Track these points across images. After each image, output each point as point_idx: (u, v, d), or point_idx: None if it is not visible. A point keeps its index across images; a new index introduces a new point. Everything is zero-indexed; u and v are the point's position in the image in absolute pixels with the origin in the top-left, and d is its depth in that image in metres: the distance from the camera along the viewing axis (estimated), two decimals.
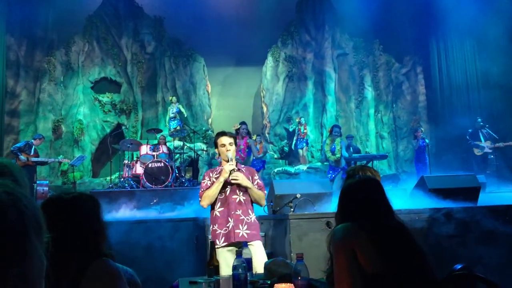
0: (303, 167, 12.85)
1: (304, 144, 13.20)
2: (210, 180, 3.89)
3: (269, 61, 14.67)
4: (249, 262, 2.68)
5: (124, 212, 7.77)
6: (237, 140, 9.18)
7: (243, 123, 9.69)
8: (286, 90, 14.52)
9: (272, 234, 5.48)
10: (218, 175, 3.86)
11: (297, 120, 13.46)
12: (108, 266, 1.82)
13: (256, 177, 3.97)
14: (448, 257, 4.14)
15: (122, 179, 9.87)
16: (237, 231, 3.71)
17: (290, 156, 14.04)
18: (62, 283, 1.62)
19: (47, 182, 10.00)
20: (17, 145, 9.61)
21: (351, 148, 10.59)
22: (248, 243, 3.54)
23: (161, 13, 14.21)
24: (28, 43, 13.00)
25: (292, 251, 4.36)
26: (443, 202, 5.39)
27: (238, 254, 2.40)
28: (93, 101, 13.61)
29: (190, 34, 13.99)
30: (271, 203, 5.52)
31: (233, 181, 3.72)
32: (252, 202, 3.92)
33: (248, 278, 2.45)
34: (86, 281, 1.72)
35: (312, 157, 13.70)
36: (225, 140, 3.90)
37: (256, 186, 3.87)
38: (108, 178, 11.00)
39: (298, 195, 5.01)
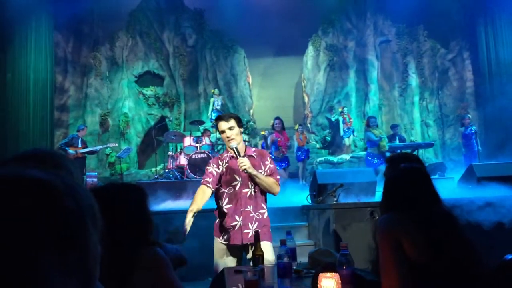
0: (346, 157, 12.71)
1: (351, 133, 13.03)
2: (217, 167, 3.45)
3: (310, 51, 14.54)
4: (293, 251, 2.69)
5: (169, 202, 7.94)
6: (277, 136, 9.29)
7: (276, 118, 9.69)
8: (328, 79, 14.36)
9: (316, 224, 5.47)
10: (226, 164, 3.42)
11: (339, 110, 13.30)
12: (157, 254, 1.87)
13: (268, 160, 3.49)
14: (498, 248, 4.02)
15: (166, 170, 10.09)
16: (246, 231, 3.31)
17: (333, 146, 13.91)
18: (113, 271, 1.68)
19: (96, 173, 10.35)
20: (64, 140, 9.96)
21: (396, 137, 10.40)
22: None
23: (201, 6, 14.32)
24: (75, 40, 13.45)
25: (336, 241, 4.34)
26: (493, 190, 5.22)
27: (283, 244, 2.42)
28: (137, 94, 13.92)
29: (230, 25, 14.02)
30: (314, 193, 5.50)
31: (241, 168, 3.25)
32: (265, 194, 3.47)
33: (293, 267, 2.46)
34: (136, 268, 1.78)
35: (355, 146, 13.53)
36: (223, 125, 3.39)
37: (268, 171, 3.42)
38: (154, 169, 11.25)
39: (342, 185, 4.97)
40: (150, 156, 13.34)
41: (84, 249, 0.72)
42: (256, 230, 3.17)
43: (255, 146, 12.84)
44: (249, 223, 3.32)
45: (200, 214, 3.43)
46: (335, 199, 4.94)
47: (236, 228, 3.32)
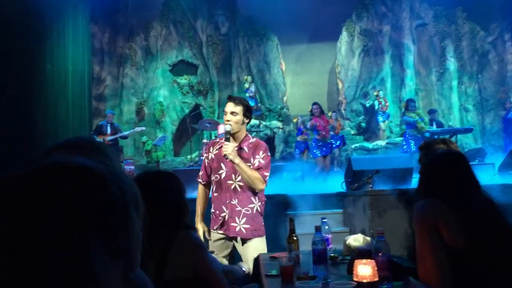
0: (382, 143, 12.53)
1: (386, 117, 12.81)
2: (208, 153, 3.38)
3: (344, 36, 14.32)
4: (328, 238, 2.68)
5: None
6: (316, 121, 9.23)
7: (314, 103, 9.61)
8: (362, 65, 14.13)
9: (351, 211, 5.44)
10: (216, 150, 3.31)
11: (375, 94, 13.08)
12: (193, 237, 1.93)
13: (260, 154, 3.22)
14: None
15: (201, 157, 10.20)
16: (233, 224, 3.16)
17: (368, 132, 13.73)
18: (152, 253, 1.73)
19: (133, 161, 10.57)
20: (92, 130, 10.21)
21: (434, 122, 10.17)
22: (247, 240, 3.19)
23: None
24: (110, 30, 13.71)
25: (371, 228, 4.30)
26: None
27: (317, 230, 2.42)
28: (172, 83, 14.09)
29: (262, 13, 13.94)
30: (349, 179, 5.46)
31: (223, 152, 3.08)
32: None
33: (328, 254, 2.46)
34: (173, 250, 1.84)
35: (391, 132, 13.30)
36: (229, 106, 3.23)
37: (256, 165, 3.18)
38: (189, 156, 11.41)
39: (378, 171, 4.91)
40: (185, 144, 13.52)
41: (128, 235, 0.75)
42: (244, 226, 3.14)
43: (289, 133, 12.83)
44: (236, 217, 3.16)
45: None
46: (371, 185, 4.89)
47: (225, 220, 3.18)
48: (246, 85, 12.86)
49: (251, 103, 12.44)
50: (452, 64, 13.83)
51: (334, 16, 13.88)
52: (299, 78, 14.85)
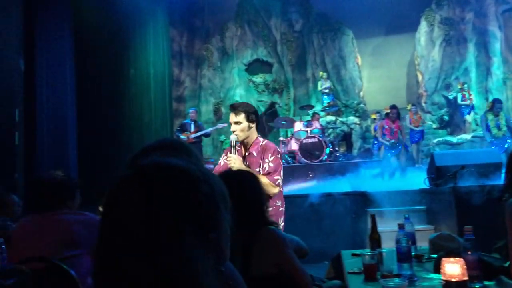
0: (467, 136, 11.91)
1: (470, 110, 12.16)
2: (220, 162, 3.44)
3: (423, 26, 13.75)
4: (412, 235, 2.62)
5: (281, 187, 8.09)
6: (386, 124, 8.97)
7: (393, 107, 9.28)
8: (443, 55, 13.49)
9: (435, 208, 5.25)
10: (225, 157, 3.34)
11: (459, 86, 12.44)
12: (275, 233, 1.97)
13: (269, 158, 3.16)
14: None
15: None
16: None
17: (451, 125, 13.09)
18: (237, 248, 1.80)
19: (213, 159, 10.87)
20: (175, 129, 10.50)
21: None
22: None
23: None
24: (188, 34, 14.24)
25: (458, 226, 4.13)
26: None
27: (401, 228, 2.37)
28: (247, 82, 14.32)
29: (336, 7, 13.77)
30: (432, 175, 5.27)
31: (229, 165, 3.14)
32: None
33: (412, 252, 2.40)
34: (257, 246, 1.89)
35: (477, 125, 12.59)
36: (231, 117, 3.27)
37: (266, 169, 3.13)
38: None
39: (463, 167, 4.68)
40: None
41: (219, 231, 0.81)
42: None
43: (367, 128, 12.58)
44: None
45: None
46: (456, 181, 4.68)
47: None
48: (320, 83, 12.75)
49: (327, 100, 12.36)
50: None
51: (411, 6, 13.41)
52: (376, 72, 14.48)
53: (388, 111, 9.27)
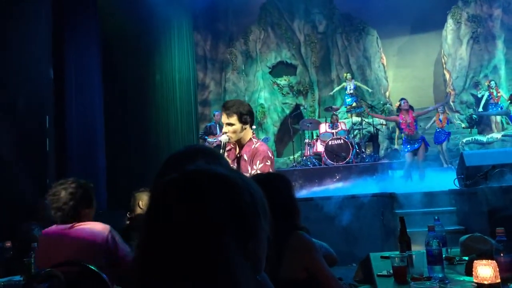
0: (497, 135, 11.63)
1: (499, 109, 11.88)
2: None
3: (449, 24, 13.50)
4: (442, 237, 2.58)
5: (308, 189, 8.09)
6: (401, 118, 8.82)
7: (402, 98, 9.14)
8: (471, 53, 13.21)
9: (465, 209, 5.15)
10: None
11: (486, 84, 12.18)
12: (305, 238, 1.97)
13: (258, 164, 3.04)
14: None
15: (304, 157, 10.26)
16: None
17: (481, 124, 12.80)
18: (269, 253, 1.81)
19: None
20: (202, 131, 10.54)
21: None
22: None
23: None
24: (212, 38, 14.35)
25: (489, 227, 4.04)
26: None
27: (431, 230, 2.34)
28: (272, 85, 14.32)
29: (360, 7, 13.66)
30: (462, 176, 5.18)
31: None
32: None
33: (443, 254, 2.37)
34: (287, 251, 1.89)
35: (508, 123, 12.29)
36: (223, 118, 3.16)
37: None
38: (291, 157, 11.51)
39: (494, 167, 4.59)
40: (287, 144, 13.66)
41: (257, 240, 0.82)
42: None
43: (393, 129, 12.42)
44: None
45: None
46: (487, 182, 4.58)
47: None
48: (344, 83, 12.65)
49: (351, 101, 12.25)
50: None
51: (437, 4, 13.20)
52: (402, 72, 14.29)
53: (398, 104, 9.12)
